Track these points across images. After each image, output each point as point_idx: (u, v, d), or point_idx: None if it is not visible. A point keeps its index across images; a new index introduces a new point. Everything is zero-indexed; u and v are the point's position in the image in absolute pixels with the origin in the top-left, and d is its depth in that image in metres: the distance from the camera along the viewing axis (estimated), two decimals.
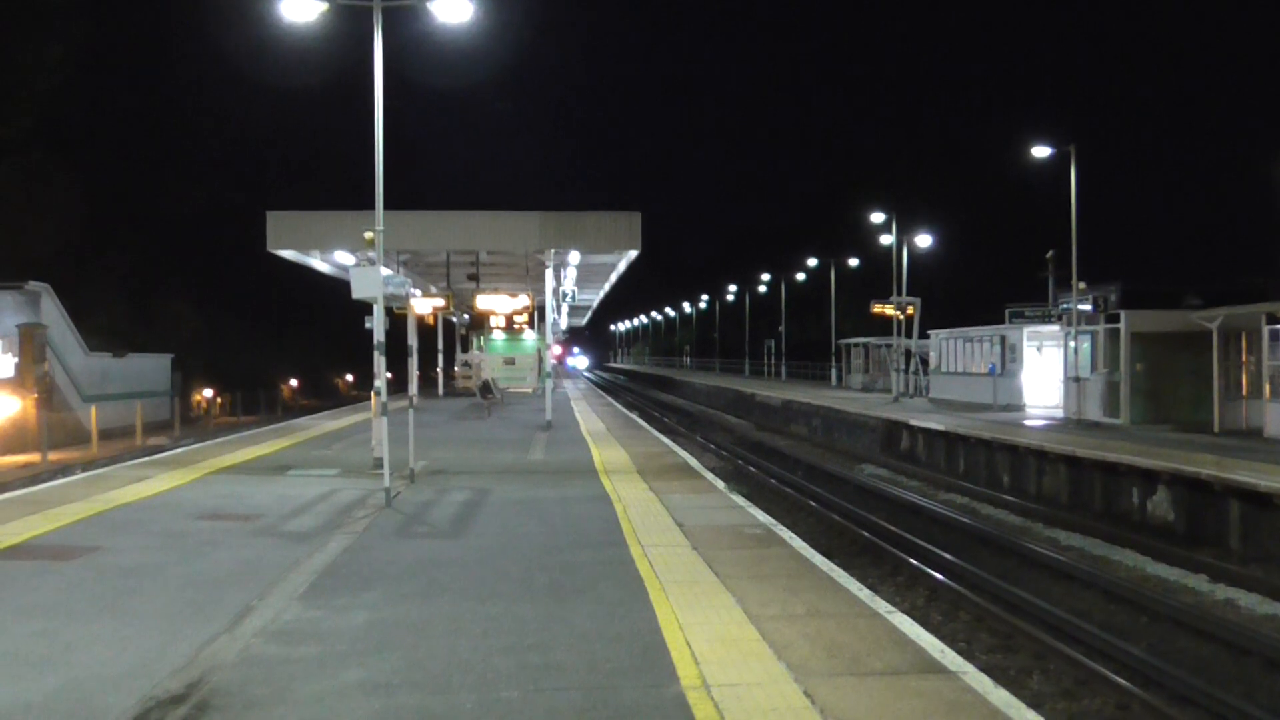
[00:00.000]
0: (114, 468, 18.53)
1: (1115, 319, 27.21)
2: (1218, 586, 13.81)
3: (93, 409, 30.99)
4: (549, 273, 28.96)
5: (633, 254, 28.80)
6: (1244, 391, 24.27)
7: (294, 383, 61.37)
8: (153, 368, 42.26)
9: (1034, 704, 7.63)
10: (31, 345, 31.63)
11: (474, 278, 33.52)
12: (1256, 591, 13.34)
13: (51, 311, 33.63)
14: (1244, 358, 24.29)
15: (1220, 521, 16.28)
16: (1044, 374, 33.29)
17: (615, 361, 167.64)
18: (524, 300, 33.13)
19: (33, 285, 32.99)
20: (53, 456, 26.52)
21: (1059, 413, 29.96)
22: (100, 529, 11.74)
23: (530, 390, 44.53)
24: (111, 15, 61.81)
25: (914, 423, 28.96)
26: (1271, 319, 22.40)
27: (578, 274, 36.68)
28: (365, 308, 16.36)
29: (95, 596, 8.60)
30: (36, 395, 30.96)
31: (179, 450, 21.93)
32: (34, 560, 9.96)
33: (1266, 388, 22.58)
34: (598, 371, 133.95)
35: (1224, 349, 24.33)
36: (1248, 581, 13.74)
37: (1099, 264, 39.38)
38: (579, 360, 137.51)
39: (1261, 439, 22.01)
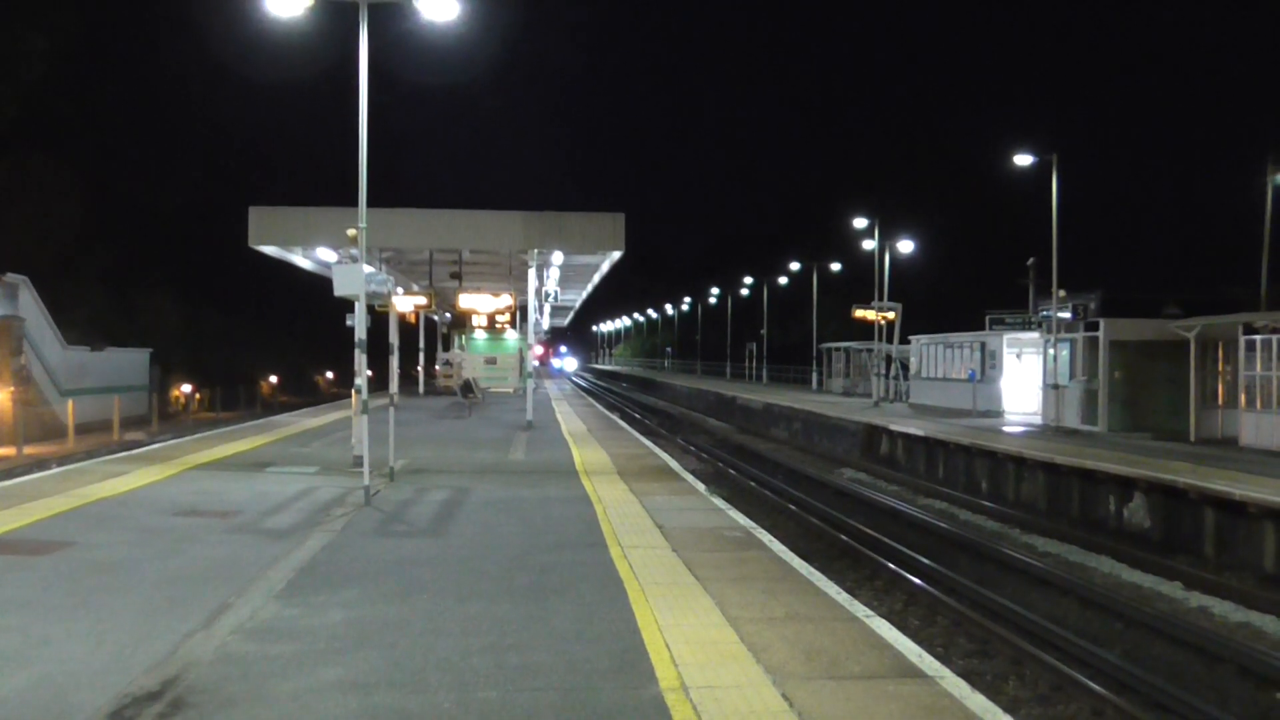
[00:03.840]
0: (90, 462, 18.39)
1: (1094, 327, 27.37)
2: (1192, 594, 13.92)
3: (69, 403, 30.75)
4: (532, 272, 28.90)
5: (616, 255, 28.81)
6: (1220, 401, 24.51)
7: (274, 379, 60.97)
8: (131, 362, 42.00)
9: (1010, 709, 7.68)
10: (8, 338, 31.35)
11: (457, 276, 33.50)
12: (1230, 599, 13.46)
13: (29, 304, 33.34)
14: (1221, 367, 24.53)
15: (1195, 529, 16.42)
16: (1023, 381, 33.49)
17: (597, 362, 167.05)
18: (506, 300, 33.17)
19: (10, 277, 32.69)
20: (28, 450, 26.29)
21: (1037, 419, 30.14)
22: (76, 524, 11.65)
23: (511, 390, 44.46)
24: (96, 8, 61.34)
25: (894, 427, 29.06)
26: (1248, 329, 22.61)
27: (561, 274, 36.67)
28: (347, 305, 16.33)
29: (70, 592, 8.53)
30: (13, 388, 30.69)
31: (156, 445, 21.78)
32: (8, 555, 9.88)
33: (1242, 397, 22.78)
34: (582, 374, 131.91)
35: (1201, 358, 24.55)
36: (1221, 589, 13.87)
37: (1079, 272, 39.76)
38: (567, 362, 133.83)
39: (1237, 448, 22.20)
